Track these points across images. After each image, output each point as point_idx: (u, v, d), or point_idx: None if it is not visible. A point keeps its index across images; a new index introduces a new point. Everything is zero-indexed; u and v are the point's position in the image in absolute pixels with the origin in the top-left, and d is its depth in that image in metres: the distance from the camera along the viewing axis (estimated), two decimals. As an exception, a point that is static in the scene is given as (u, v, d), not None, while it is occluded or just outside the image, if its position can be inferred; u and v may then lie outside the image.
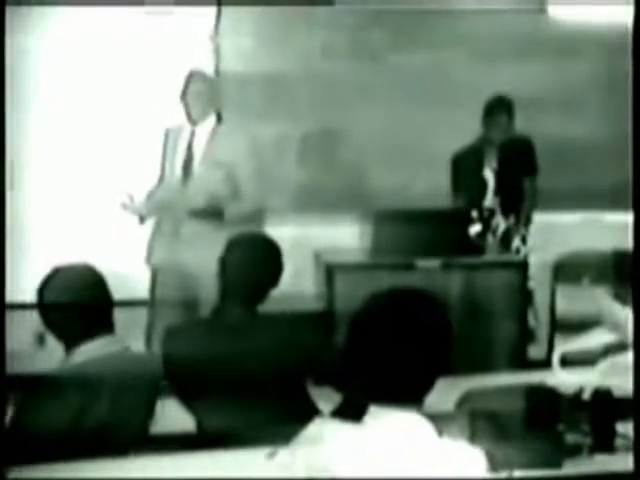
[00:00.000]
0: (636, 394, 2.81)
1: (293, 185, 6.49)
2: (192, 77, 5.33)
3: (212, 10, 6.16)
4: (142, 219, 5.27)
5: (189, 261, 5.15)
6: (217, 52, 6.22)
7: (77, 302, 3.07)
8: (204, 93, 5.29)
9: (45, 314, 3.12)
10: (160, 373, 3.23)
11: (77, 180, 5.90)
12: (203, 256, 4.82)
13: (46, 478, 2.60)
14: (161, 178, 5.39)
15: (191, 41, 6.08)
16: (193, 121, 5.29)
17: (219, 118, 5.54)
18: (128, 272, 5.48)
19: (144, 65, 5.98)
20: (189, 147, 5.28)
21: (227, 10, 6.20)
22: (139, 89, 5.98)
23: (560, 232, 6.28)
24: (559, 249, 6.07)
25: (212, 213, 5.15)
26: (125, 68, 5.96)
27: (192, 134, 5.29)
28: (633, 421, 2.76)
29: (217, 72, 6.13)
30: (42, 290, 3.13)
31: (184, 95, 5.31)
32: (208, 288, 5.04)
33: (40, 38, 5.90)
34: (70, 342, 3.08)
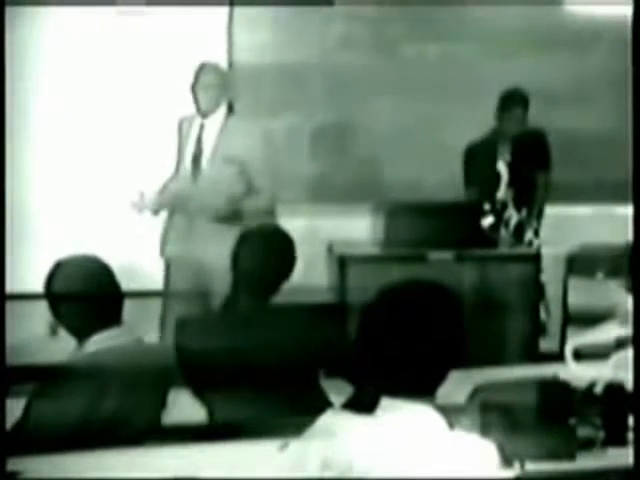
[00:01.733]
0: (636, 389, 2.80)
1: (306, 177, 6.49)
2: (203, 69, 5.32)
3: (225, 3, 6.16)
4: (156, 212, 5.28)
5: (202, 253, 5.17)
6: (230, 44, 6.21)
7: (85, 293, 3.07)
8: (215, 85, 5.27)
9: (53, 307, 3.13)
10: (172, 364, 3.24)
11: (86, 173, 5.91)
12: (216, 248, 4.85)
13: (52, 478, 2.60)
14: (177, 167, 5.40)
15: (203, 34, 6.07)
16: (203, 113, 5.28)
17: (230, 111, 5.54)
18: (142, 263, 5.50)
19: (151, 61, 5.97)
20: (198, 140, 5.28)
21: (241, 3, 6.19)
22: (146, 85, 5.97)
23: (573, 225, 6.27)
24: (572, 242, 6.06)
25: (234, 217, 5.16)
26: (129, 65, 5.95)
27: (201, 127, 5.29)
28: (633, 417, 2.76)
29: (230, 64, 6.12)
30: (48, 283, 3.13)
31: (194, 87, 5.30)
32: (221, 280, 5.07)
33: (40, 38, 5.90)
34: (80, 334, 3.08)
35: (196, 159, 5.29)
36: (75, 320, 3.09)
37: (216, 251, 4.86)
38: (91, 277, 3.11)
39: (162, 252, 5.41)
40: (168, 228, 5.37)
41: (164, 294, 5.42)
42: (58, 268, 3.13)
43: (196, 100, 5.29)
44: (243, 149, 5.21)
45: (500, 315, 5.33)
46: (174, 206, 5.29)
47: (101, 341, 3.05)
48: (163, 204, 5.27)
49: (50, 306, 3.13)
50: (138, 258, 5.51)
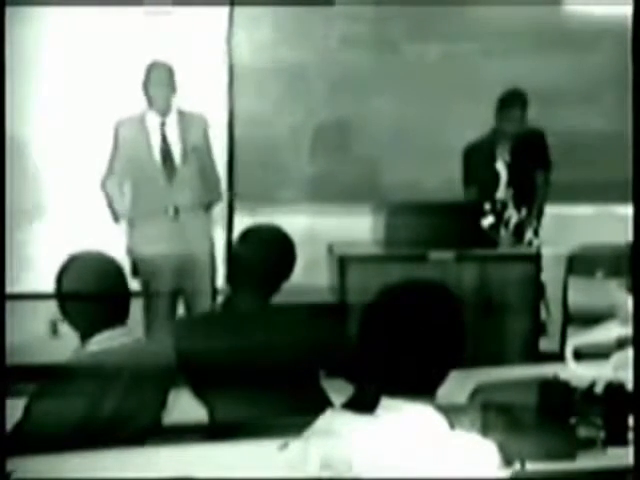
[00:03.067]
0: (636, 389, 2.80)
1: (306, 176, 6.49)
2: (154, 67, 5.38)
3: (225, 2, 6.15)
4: (117, 219, 5.31)
5: (190, 246, 5.26)
6: (230, 44, 6.21)
7: (96, 291, 3.07)
8: (167, 82, 5.35)
9: (62, 303, 3.12)
10: (172, 364, 3.24)
11: (86, 173, 5.91)
12: (204, 236, 5.20)
13: (52, 478, 2.59)
14: (111, 171, 5.43)
15: (203, 34, 6.07)
16: (162, 111, 5.34)
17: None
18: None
19: (150, 61, 5.96)
20: (164, 138, 5.36)
21: (241, 3, 6.19)
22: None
23: (573, 225, 6.27)
24: (572, 242, 6.06)
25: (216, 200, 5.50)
26: (128, 65, 5.94)
27: (163, 124, 5.36)
28: (633, 417, 2.76)
29: (230, 64, 6.12)
30: (59, 278, 3.12)
31: (147, 85, 5.36)
32: (205, 276, 5.20)
33: (40, 38, 5.90)
34: (85, 332, 3.08)
35: (166, 159, 5.34)
36: (82, 318, 3.08)
37: (204, 239, 5.30)
38: (102, 275, 3.11)
39: (133, 253, 5.40)
40: (141, 229, 5.36)
41: (145, 292, 5.39)
42: (68, 265, 3.12)
43: (151, 99, 5.34)
44: (198, 139, 5.38)
45: (500, 315, 5.33)
46: (150, 207, 5.30)
47: (102, 341, 3.05)
48: (138, 212, 5.32)
49: (58, 303, 3.12)
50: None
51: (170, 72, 5.36)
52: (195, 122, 5.43)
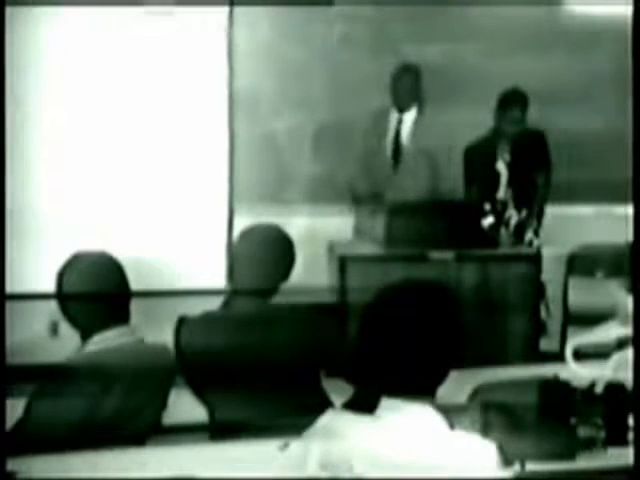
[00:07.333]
0: (636, 389, 2.80)
1: (307, 176, 6.48)
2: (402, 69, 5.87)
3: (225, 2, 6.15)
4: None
5: None
6: (230, 44, 6.21)
7: (96, 291, 3.07)
8: (412, 84, 5.86)
9: (62, 302, 3.12)
10: (173, 364, 3.24)
11: (86, 172, 5.91)
12: None
13: (52, 478, 2.59)
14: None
15: (203, 34, 6.07)
16: (400, 109, 5.84)
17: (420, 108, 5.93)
18: (141, 263, 5.50)
19: (150, 61, 5.96)
20: (397, 134, 5.86)
21: (241, 3, 6.19)
22: (144, 84, 5.96)
23: (574, 225, 6.27)
24: (572, 242, 6.06)
25: None
26: (129, 65, 5.94)
27: (399, 121, 5.85)
28: (633, 417, 2.75)
29: (230, 64, 6.12)
30: (61, 277, 3.12)
31: (395, 85, 5.86)
32: None
33: (40, 38, 5.90)
34: (85, 331, 3.08)
35: (396, 151, 5.89)
36: (83, 317, 3.08)
37: None
38: (103, 274, 3.11)
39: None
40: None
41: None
42: (70, 264, 3.12)
43: (395, 97, 5.89)
44: (431, 143, 5.80)
45: (500, 315, 5.32)
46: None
47: (102, 340, 3.05)
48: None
49: (58, 302, 3.12)
50: (137, 258, 5.49)
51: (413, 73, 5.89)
52: (431, 125, 5.89)
